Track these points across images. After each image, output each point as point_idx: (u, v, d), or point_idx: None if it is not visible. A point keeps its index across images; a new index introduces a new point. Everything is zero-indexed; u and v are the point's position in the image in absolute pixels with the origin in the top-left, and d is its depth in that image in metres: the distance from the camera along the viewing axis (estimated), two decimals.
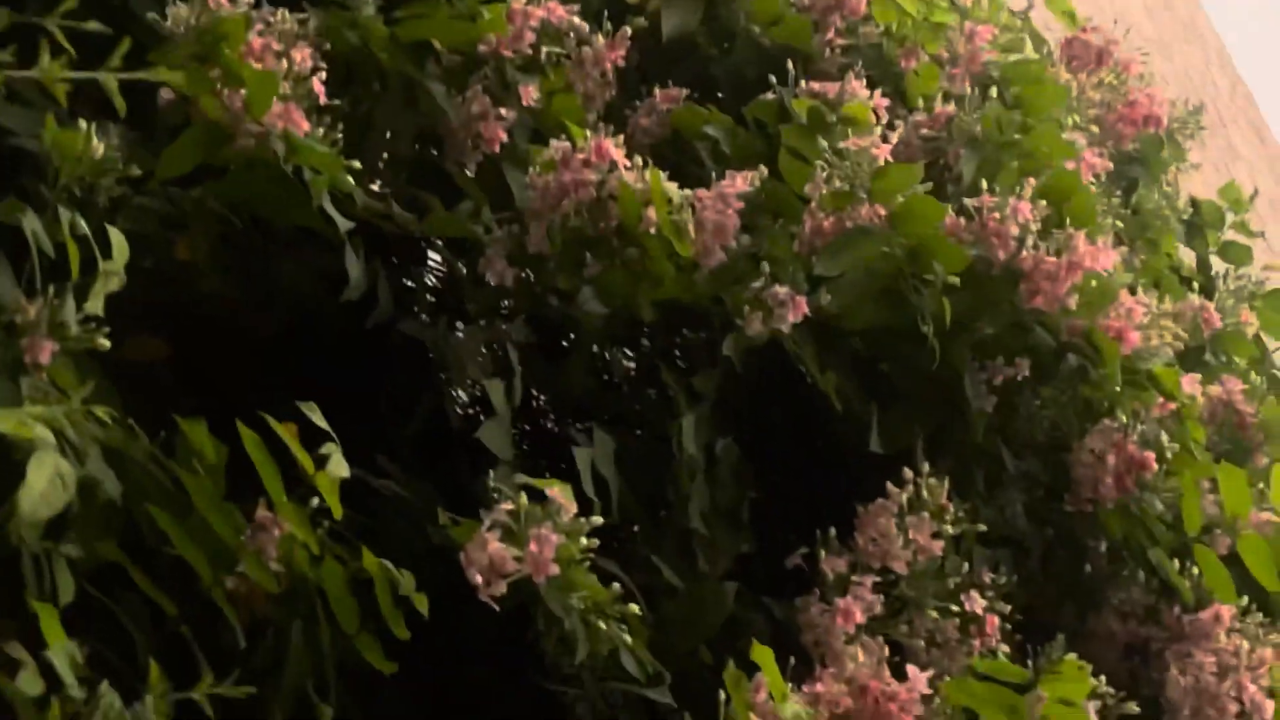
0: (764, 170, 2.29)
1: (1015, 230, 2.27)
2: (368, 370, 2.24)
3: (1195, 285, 3.36)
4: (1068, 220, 2.36)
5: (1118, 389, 2.42)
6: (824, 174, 2.28)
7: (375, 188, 2.25)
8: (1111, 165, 2.90)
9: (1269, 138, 7.50)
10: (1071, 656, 1.79)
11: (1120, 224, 2.98)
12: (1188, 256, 3.54)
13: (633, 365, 2.44)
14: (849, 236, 2.23)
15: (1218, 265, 3.56)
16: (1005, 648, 2.12)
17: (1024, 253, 2.27)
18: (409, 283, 2.36)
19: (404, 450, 2.09)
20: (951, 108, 2.54)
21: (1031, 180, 2.38)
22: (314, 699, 1.80)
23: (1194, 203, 3.54)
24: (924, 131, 2.54)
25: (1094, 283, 2.33)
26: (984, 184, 2.36)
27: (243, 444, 1.73)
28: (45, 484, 1.54)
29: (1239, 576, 2.47)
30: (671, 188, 2.12)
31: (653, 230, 2.11)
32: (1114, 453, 2.38)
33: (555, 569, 1.71)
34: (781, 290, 2.14)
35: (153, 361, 2.07)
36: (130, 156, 1.80)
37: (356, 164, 1.97)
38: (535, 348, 2.26)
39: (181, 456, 1.75)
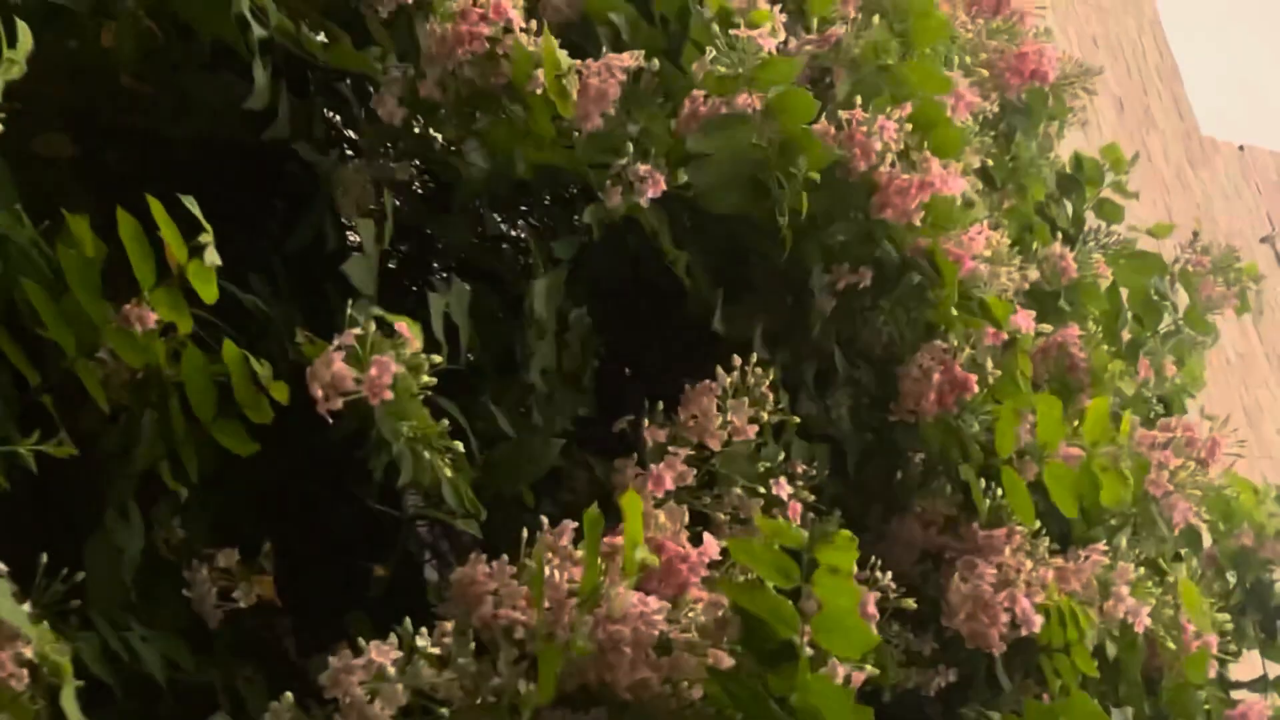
0: (656, 63, 2.37)
1: (878, 146, 2.39)
2: (259, 192, 2.32)
3: (1061, 235, 3.48)
4: (928, 146, 2.48)
5: (952, 312, 2.55)
6: (710, 57, 2.38)
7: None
8: (990, 105, 3.01)
9: (1186, 112, 7.60)
10: (844, 533, 1.90)
11: (990, 162, 3.12)
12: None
13: (504, 226, 2.54)
14: (724, 118, 2.33)
15: (1091, 221, 3.68)
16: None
17: (881, 167, 2.39)
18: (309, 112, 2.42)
19: (280, 274, 2.17)
20: (840, 30, 2.64)
21: (903, 107, 2.50)
22: (167, 478, 1.90)
23: (1077, 157, 3.66)
24: (810, 49, 2.64)
25: (941, 206, 2.46)
26: (858, 102, 2.47)
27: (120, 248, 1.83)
28: None
29: (1041, 504, 2.63)
30: (562, 55, 2.20)
31: (539, 91, 2.19)
32: (940, 371, 2.53)
33: (389, 395, 1.81)
34: (643, 167, 2.24)
35: (58, 158, 2.16)
36: None
37: None
38: (417, 194, 2.35)
39: (62, 245, 1.83)
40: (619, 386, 2.41)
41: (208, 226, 1.80)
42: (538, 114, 2.22)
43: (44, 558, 1.69)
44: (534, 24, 2.23)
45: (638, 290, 2.51)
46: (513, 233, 2.59)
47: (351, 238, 2.33)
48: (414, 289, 2.42)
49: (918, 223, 2.43)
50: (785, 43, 2.60)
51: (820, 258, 2.45)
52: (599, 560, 1.84)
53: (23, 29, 1.78)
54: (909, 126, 2.45)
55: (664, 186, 2.24)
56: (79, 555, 1.81)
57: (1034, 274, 3.09)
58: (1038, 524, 2.55)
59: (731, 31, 2.39)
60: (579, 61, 2.22)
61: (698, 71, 2.40)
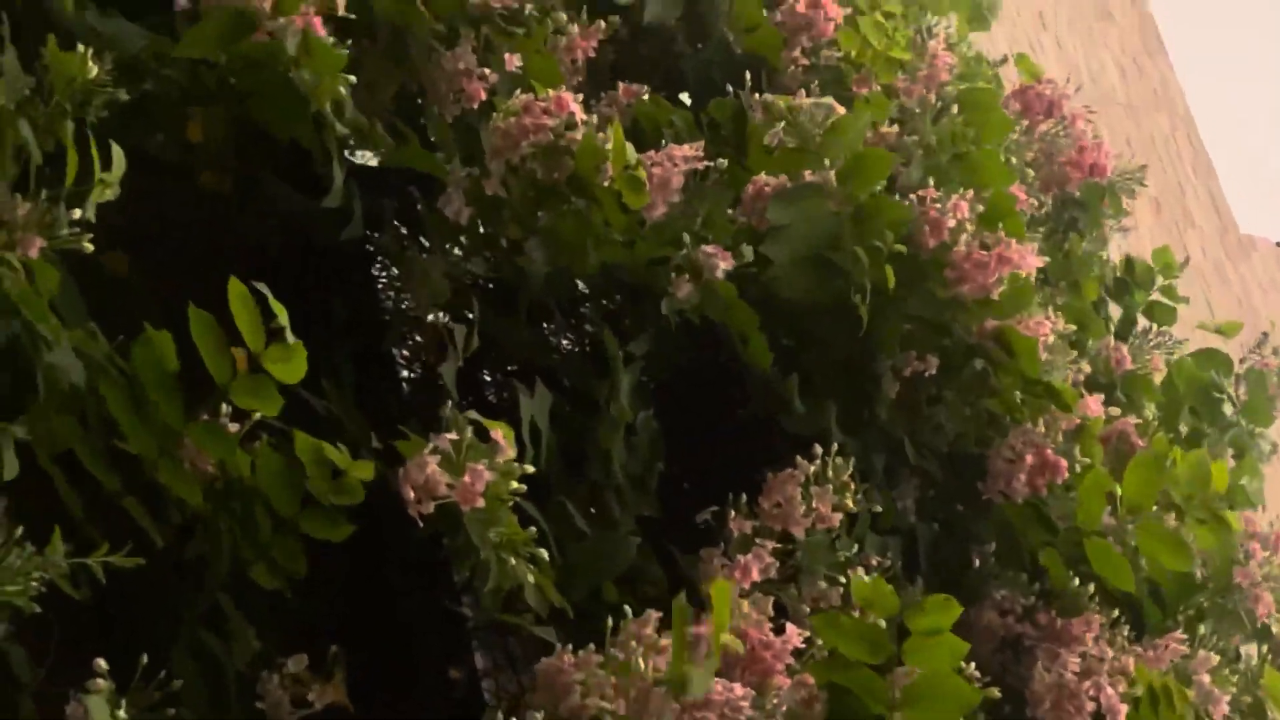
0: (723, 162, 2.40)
1: (951, 223, 2.41)
2: (320, 297, 2.33)
3: (1113, 334, 3.48)
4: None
5: (1018, 398, 2.54)
6: (777, 129, 2.40)
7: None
8: (1040, 205, 3.02)
9: (1223, 208, 7.61)
10: (939, 595, 1.88)
11: (1047, 259, 3.11)
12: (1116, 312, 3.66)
13: (572, 325, 2.54)
14: (797, 189, 2.36)
15: (1142, 322, 3.68)
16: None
17: (958, 245, 2.41)
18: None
19: (344, 374, 2.18)
20: (896, 129, 2.65)
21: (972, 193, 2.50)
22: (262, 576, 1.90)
23: (1129, 261, 3.65)
24: (888, 129, 2.64)
25: (1017, 285, 2.47)
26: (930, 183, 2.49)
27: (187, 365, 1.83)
28: None
29: (1118, 591, 2.60)
30: (629, 147, 2.22)
31: (607, 182, 2.21)
32: (1032, 453, 2.53)
33: (481, 502, 1.81)
34: (709, 247, 2.26)
35: (124, 275, 2.16)
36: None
37: (352, 78, 2.07)
38: (486, 296, 2.36)
39: (137, 359, 1.84)
40: (681, 487, 2.39)
41: (281, 308, 1.80)
42: (607, 206, 2.24)
43: (143, 659, 1.70)
44: (595, 118, 2.25)
45: (697, 387, 2.50)
46: (568, 338, 2.58)
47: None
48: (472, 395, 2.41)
49: (996, 297, 2.43)
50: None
51: (887, 346, 2.45)
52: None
53: (116, 152, 1.80)
54: (980, 209, 2.46)
55: (731, 261, 2.26)
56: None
57: (1087, 368, 3.07)
58: (1115, 612, 2.52)
59: (793, 102, 2.40)
60: (639, 155, 2.24)
61: (771, 140, 2.41)
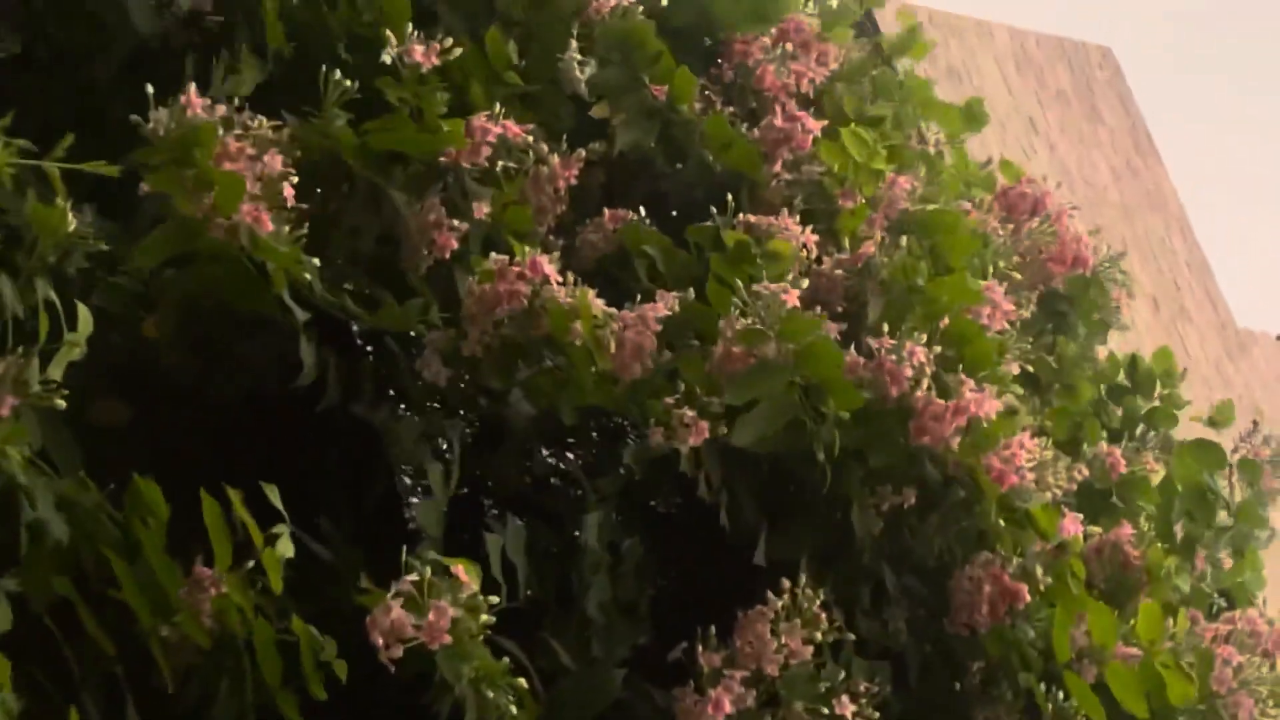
0: (692, 292, 2.45)
1: (909, 371, 2.42)
2: (316, 443, 2.35)
3: (1108, 434, 3.46)
4: (961, 367, 2.51)
5: (1000, 524, 2.54)
6: (737, 312, 2.41)
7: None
8: (1024, 311, 3.03)
9: (1220, 303, 7.61)
10: None
11: (1032, 369, 3.12)
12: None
13: (553, 461, 2.56)
14: (755, 370, 2.37)
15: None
16: None
17: (917, 393, 2.42)
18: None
19: (344, 520, 2.21)
20: (871, 248, 2.67)
21: (937, 323, 2.52)
22: None
23: (1133, 360, 3.64)
24: (841, 273, 2.67)
25: (978, 428, 2.46)
26: (886, 327, 2.51)
27: (185, 504, 1.86)
28: None
29: (1107, 705, 2.59)
30: (598, 304, 2.28)
31: (578, 342, 2.26)
32: (990, 582, 2.52)
33: (449, 639, 1.85)
34: (689, 413, 2.28)
35: (115, 425, 2.19)
36: (101, 235, 1.95)
37: (315, 261, 2.12)
38: (467, 439, 2.38)
39: (130, 509, 1.90)
40: (677, 612, 2.40)
41: (285, 517, 1.88)
42: (578, 364, 2.29)
43: None
44: (570, 277, 2.30)
45: (687, 517, 2.51)
46: (560, 467, 2.60)
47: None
48: (466, 531, 2.42)
49: (955, 447, 2.45)
50: (819, 260, 2.63)
51: (862, 484, 2.46)
52: None
53: (83, 313, 1.86)
54: (938, 349, 2.48)
55: (706, 434, 2.28)
56: None
57: (1084, 472, 3.06)
58: None
59: (754, 287, 2.42)
60: (614, 313, 2.29)
61: (725, 328, 2.42)
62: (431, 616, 1.83)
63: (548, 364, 2.31)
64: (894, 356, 2.42)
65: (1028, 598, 2.52)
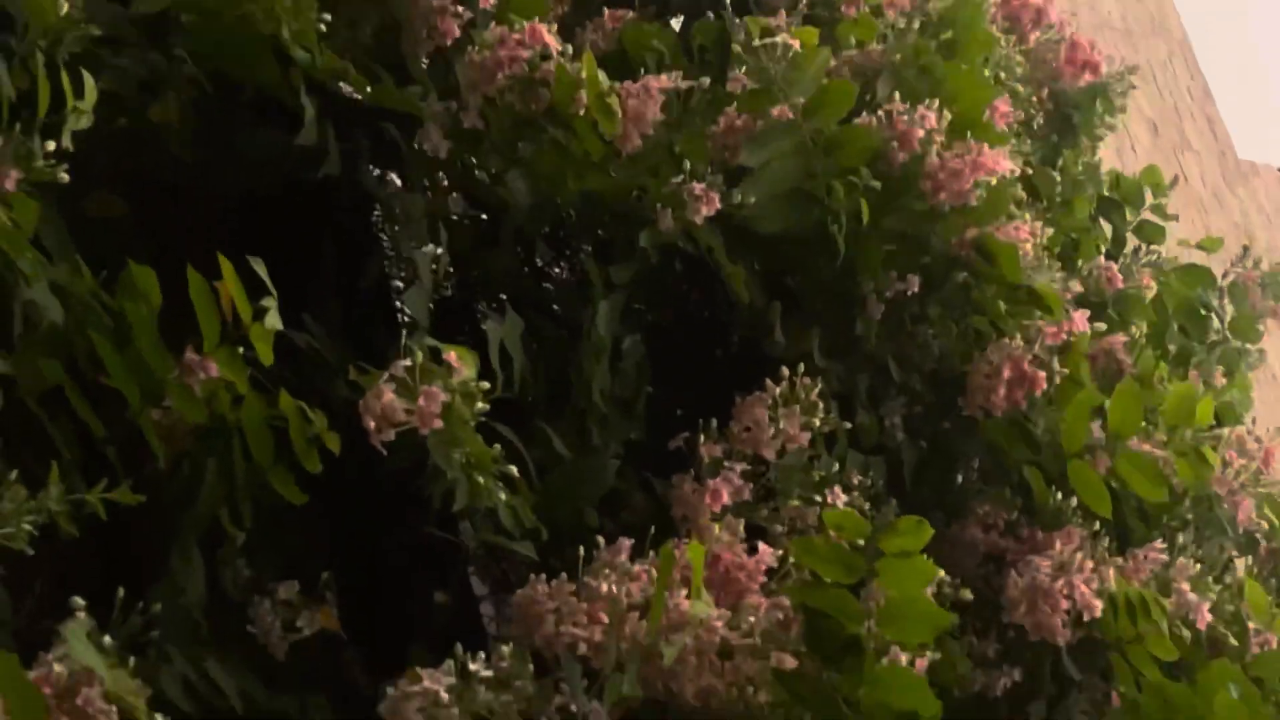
0: (707, 80, 2.36)
1: (920, 134, 2.37)
2: (310, 236, 2.30)
3: (1103, 253, 3.43)
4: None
5: (1001, 307, 2.53)
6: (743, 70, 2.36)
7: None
8: (1029, 117, 2.97)
9: (1221, 132, 7.52)
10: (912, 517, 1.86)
11: (1031, 171, 3.07)
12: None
13: (554, 256, 2.51)
14: (766, 130, 2.32)
15: (1132, 241, 3.62)
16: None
17: (931, 155, 2.37)
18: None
19: (334, 312, 2.16)
20: (880, 47, 2.60)
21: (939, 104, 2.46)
22: (226, 524, 1.88)
23: (1116, 177, 3.60)
24: (851, 63, 2.61)
25: (993, 192, 2.44)
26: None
27: (178, 298, 1.81)
28: None
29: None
30: (601, 75, 2.19)
31: (582, 112, 2.18)
32: (1009, 367, 2.49)
33: (439, 424, 1.79)
34: (698, 185, 2.23)
35: (111, 217, 2.14)
36: (100, 18, 1.87)
37: (327, 15, 2.04)
38: (465, 228, 2.33)
39: (122, 295, 1.82)
40: (671, 412, 2.36)
41: (273, 291, 1.80)
42: (583, 134, 2.21)
43: (120, 591, 1.67)
44: (569, 48, 2.22)
45: (687, 316, 2.47)
46: (559, 266, 2.55)
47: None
48: (466, 325, 2.38)
49: (974, 202, 2.40)
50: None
51: (870, 268, 2.42)
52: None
53: (89, 82, 1.79)
54: (949, 117, 2.42)
55: (718, 204, 2.24)
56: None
57: (1078, 287, 3.03)
58: (1097, 525, 2.49)
59: (756, 42, 2.36)
60: (617, 84, 2.21)
61: (733, 87, 2.37)
62: (422, 401, 1.78)
63: (549, 141, 2.22)
64: (905, 117, 2.37)
65: (1044, 384, 2.49)
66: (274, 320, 1.81)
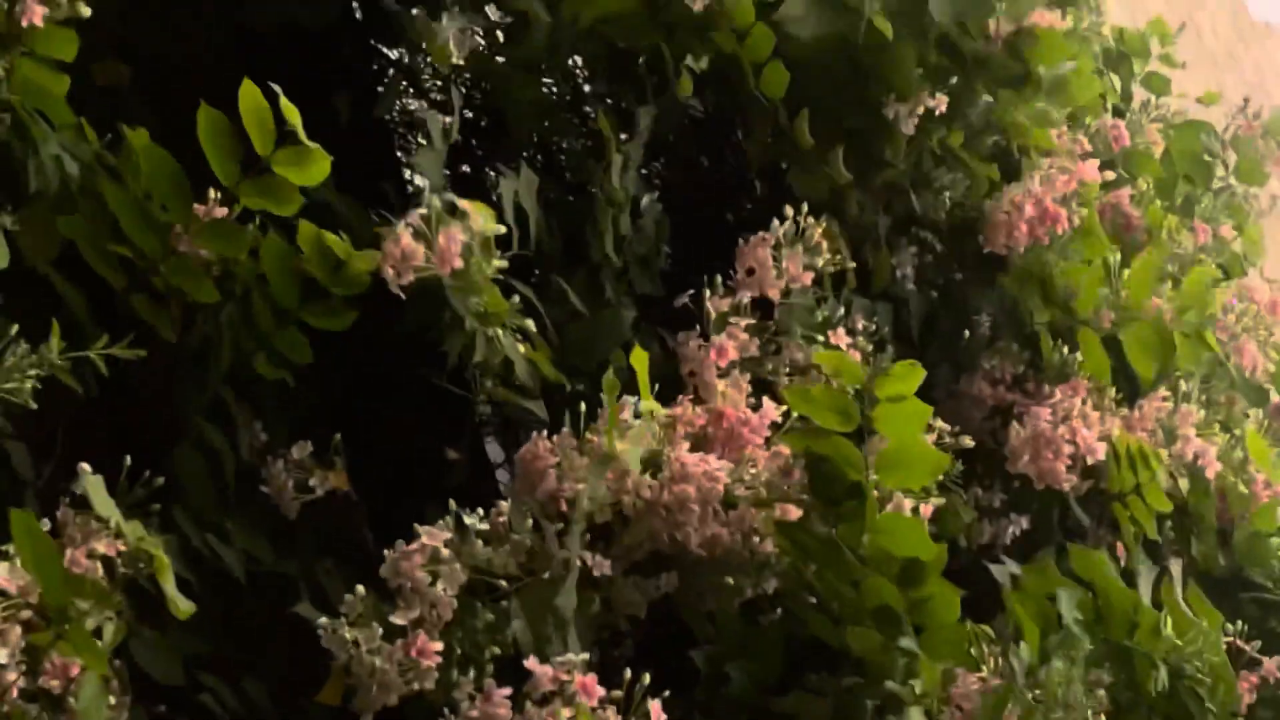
0: None
1: None
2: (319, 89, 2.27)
3: (1111, 109, 3.40)
4: None
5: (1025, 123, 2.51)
6: None
7: None
8: None
9: None
10: (907, 361, 1.85)
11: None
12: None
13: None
14: None
15: (1140, 95, 3.59)
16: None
17: None
18: None
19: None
20: None
21: None
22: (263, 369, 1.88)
23: (1120, 32, 3.56)
24: None
25: None
26: None
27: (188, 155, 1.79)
28: None
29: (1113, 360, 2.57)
30: None
31: None
32: (1032, 203, 2.50)
33: (459, 263, 1.77)
34: None
35: (117, 84, 2.12)
36: None
37: None
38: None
39: (123, 158, 1.81)
40: (687, 274, 2.35)
41: (294, 109, 1.74)
42: None
43: (127, 460, 1.67)
44: None
45: (699, 181, 2.45)
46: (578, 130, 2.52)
47: None
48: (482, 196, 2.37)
49: None
50: None
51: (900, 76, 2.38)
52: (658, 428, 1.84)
53: None
54: None
55: None
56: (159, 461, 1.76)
57: (1086, 145, 3.01)
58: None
59: None
60: None
61: None
62: (441, 240, 1.76)
63: None
64: None
65: (1067, 223, 2.49)
66: (309, 148, 1.76)
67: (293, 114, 1.74)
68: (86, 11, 1.70)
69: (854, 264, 2.29)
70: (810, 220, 2.16)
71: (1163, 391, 2.52)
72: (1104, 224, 2.89)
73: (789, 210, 2.17)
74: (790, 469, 1.83)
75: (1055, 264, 2.59)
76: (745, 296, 2.11)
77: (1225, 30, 6.92)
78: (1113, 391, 2.48)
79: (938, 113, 2.45)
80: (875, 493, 1.81)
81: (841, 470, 1.81)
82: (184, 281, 1.83)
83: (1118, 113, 3.33)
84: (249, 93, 1.73)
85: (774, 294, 2.14)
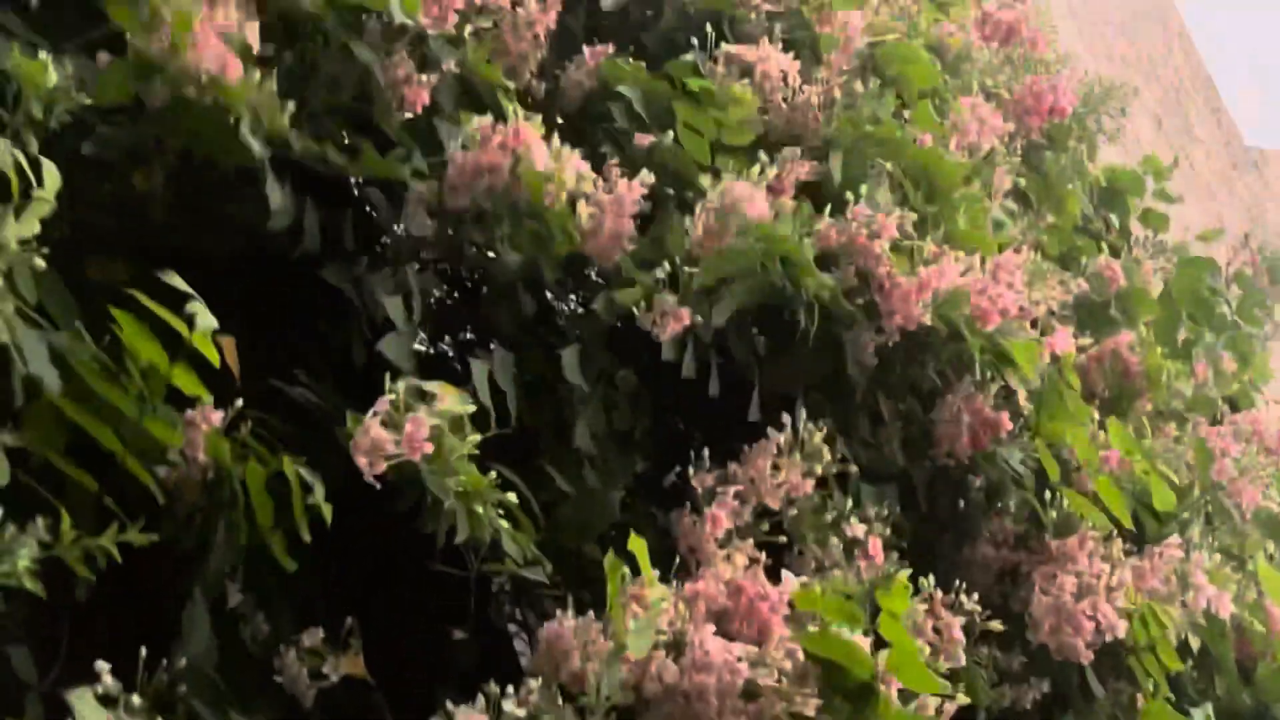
0: (670, 135, 2.49)
1: (878, 249, 2.43)
2: (303, 300, 2.35)
3: (1108, 248, 3.47)
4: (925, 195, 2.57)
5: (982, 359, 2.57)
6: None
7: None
8: (1011, 126, 3.01)
9: (1225, 120, 7.55)
10: (903, 574, 1.91)
11: (1024, 181, 3.12)
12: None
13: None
14: (726, 252, 2.38)
15: (1138, 231, 3.66)
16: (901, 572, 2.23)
17: (881, 278, 2.43)
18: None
19: (328, 368, 2.21)
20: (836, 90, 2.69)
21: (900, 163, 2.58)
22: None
23: (1112, 170, 3.64)
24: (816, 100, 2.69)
25: (948, 297, 2.49)
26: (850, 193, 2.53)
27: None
28: None
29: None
30: (578, 167, 2.27)
31: (555, 207, 2.27)
32: (970, 413, 2.54)
33: (429, 447, 1.87)
34: (669, 300, 2.30)
35: (114, 281, 2.19)
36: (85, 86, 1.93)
37: (290, 104, 2.09)
38: (452, 279, 2.38)
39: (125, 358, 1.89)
40: (677, 443, 2.42)
41: (192, 293, 1.84)
42: (554, 228, 2.29)
43: (143, 651, 1.72)
44: (557, 143, 2.28)
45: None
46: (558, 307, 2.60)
47: None
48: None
49: (928, 321, 2.46)
50: (800, 88, 2.62)
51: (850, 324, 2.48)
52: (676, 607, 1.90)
53: (49, 169, 1.86)
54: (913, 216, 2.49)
55: (686, 320, 2.30)
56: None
57: (1083, 285, 3.07)
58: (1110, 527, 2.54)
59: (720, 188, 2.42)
60: (592, 180, 2.28)
61: (700, 213, 2.44)
62: (409, 427, 1.86)
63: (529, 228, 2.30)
64: (865, 231, 2.43)
65: (1009, 426, 2.53)
66: (205, 319, 1.85)
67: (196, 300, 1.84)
68: (41, 263, 1.78)
69: (855, 467, 2.37)
70: (809, 426, 2.26)
71: (1174, 540, 2.57)
72: (1101, 370, 2.96)
73: (786, 418, 2.27)
74: (805, 672, 1.87)
75: (1011, 454, 2.65)
76: (747, 513, 2.20)
77: (1219, 160, 7.04)
78: (1120, 543, 2.53)
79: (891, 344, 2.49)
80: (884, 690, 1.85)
81: (850, 670, 1.86)
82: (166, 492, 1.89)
83: (1113, 252, 3.41)
84: (142, 298, 1.83)
85: (773, 503, 2.24)
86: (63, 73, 1.90)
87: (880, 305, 2.43)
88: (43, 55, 1.88)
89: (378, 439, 1.85)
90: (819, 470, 2.26)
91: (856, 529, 2.28)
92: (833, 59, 2.80)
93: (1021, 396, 2.58)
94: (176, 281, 1.85)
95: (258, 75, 2.06)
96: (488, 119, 2.30)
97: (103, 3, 1.99)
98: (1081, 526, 2.56)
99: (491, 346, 2.22)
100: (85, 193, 1.90)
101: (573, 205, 2.27)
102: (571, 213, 2.27)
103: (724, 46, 2.68)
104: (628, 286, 2.33)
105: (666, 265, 2.32)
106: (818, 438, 2.27)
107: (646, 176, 2.31)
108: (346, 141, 2.29)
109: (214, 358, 1.86)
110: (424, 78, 2.31)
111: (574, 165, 2.28)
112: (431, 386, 1.91)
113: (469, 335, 2.50)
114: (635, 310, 2.30)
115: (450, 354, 2.49)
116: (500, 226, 2.30)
